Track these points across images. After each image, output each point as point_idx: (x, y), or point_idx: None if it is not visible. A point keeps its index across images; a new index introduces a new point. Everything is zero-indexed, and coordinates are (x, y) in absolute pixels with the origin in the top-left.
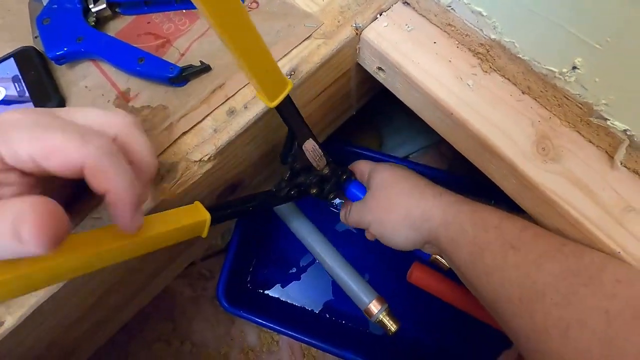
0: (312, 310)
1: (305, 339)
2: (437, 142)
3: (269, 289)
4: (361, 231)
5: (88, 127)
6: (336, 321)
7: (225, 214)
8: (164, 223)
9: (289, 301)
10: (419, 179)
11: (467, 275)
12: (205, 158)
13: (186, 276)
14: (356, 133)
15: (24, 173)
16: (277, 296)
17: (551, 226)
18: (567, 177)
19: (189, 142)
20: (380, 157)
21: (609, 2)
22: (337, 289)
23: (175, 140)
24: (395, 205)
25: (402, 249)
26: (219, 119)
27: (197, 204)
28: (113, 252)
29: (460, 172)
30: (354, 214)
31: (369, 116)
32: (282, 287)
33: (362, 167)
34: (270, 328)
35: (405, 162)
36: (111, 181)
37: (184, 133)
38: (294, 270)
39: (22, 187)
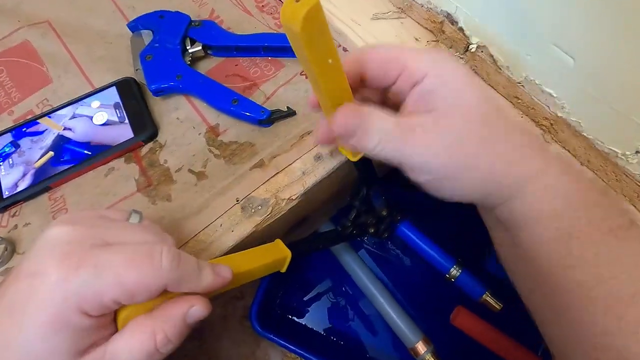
0: (336, 340)
1: None
2: None
3: (295, 314)
4: (400, 266)
5: (143, 242)
6: (358, 352)
7: (302, 251)
8: (252, 260)
9: (314, 328)
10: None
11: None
12: (294, 197)
13: (218, 295)
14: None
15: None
16: (303, 322)
17: None
18: None
19: (280, 182)
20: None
21: None
22: (358, 320)
23: (269, 179)
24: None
25: (448, 198)
26: (308, 163)
27: (279, 241)
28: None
29: None
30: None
31: None
32: (308, 313)
33: (413, 60)
34: (297, 353)
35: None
36: (191, 284)
37: (277, 173)
38: (317, 297)
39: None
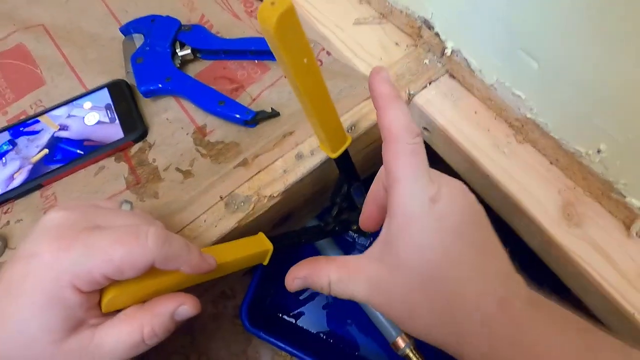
0: (327, 338)
1: None
2: None
3: (286, 313)
4: None
5: (132, 225)
6: (350, 351)
7: (284, 245)
8: (234, 251)
9: (305, 326)
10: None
11: None
12: (275, 194)
13: (209, 293)
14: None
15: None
16: (294, 320)
17: (573, 283)
18: (589, 242)
19: (262, 179)
20: None
21: (634, 112)
22: (350, 318)
23: (251, 177)
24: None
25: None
26: (289, 162)
27: (261, 234)
28: (193, 276)
29: None
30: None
31: None
32: (300, 311)
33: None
34: (287, 351)
35: None
36: (179, 261)
37: (259, 171)
38: (311, 296)
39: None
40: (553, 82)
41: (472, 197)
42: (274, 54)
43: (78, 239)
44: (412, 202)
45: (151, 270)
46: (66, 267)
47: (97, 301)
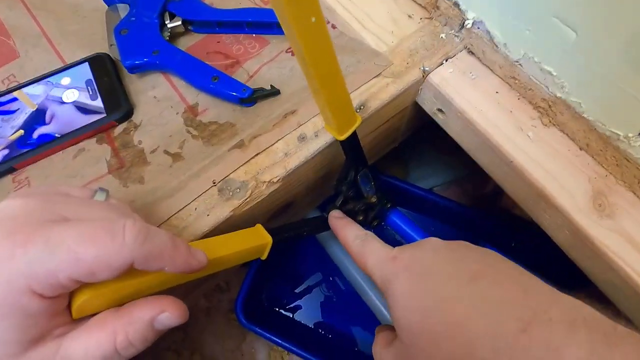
0: (324, 333)
1: None
2: (461, 179)
3: (282, 307)
4: None
5: (105, 218)
6: (348, 346)
7: (283, 237)
8: (229, 245)
9: (302, 321)
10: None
11: None
12: (275, 180)
13: (202, 287)
14: (383, 162)
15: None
16: (291, 315)
17: (602, 279)
18: (621, 234)
19: (260, 163)
20: (409, 187)
21: None
22: (348, 313)
23: (248, 160)
24: None
25: None
26: (290, 144)
27: (259, 227)
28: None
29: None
30: None
31: (396, 147)
32: (297, 306)
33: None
34: (284, 346)
35: (430, 193)
36: (162, 260)
37: (257, 154)
38: (308, 289)
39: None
40: (594, 55)
41: (443, 243)
42: (275, 10)
43: (37, 234)
44: (379, 267)
45: (130, 269)
46: (22, 268)
47: (65, 306)
